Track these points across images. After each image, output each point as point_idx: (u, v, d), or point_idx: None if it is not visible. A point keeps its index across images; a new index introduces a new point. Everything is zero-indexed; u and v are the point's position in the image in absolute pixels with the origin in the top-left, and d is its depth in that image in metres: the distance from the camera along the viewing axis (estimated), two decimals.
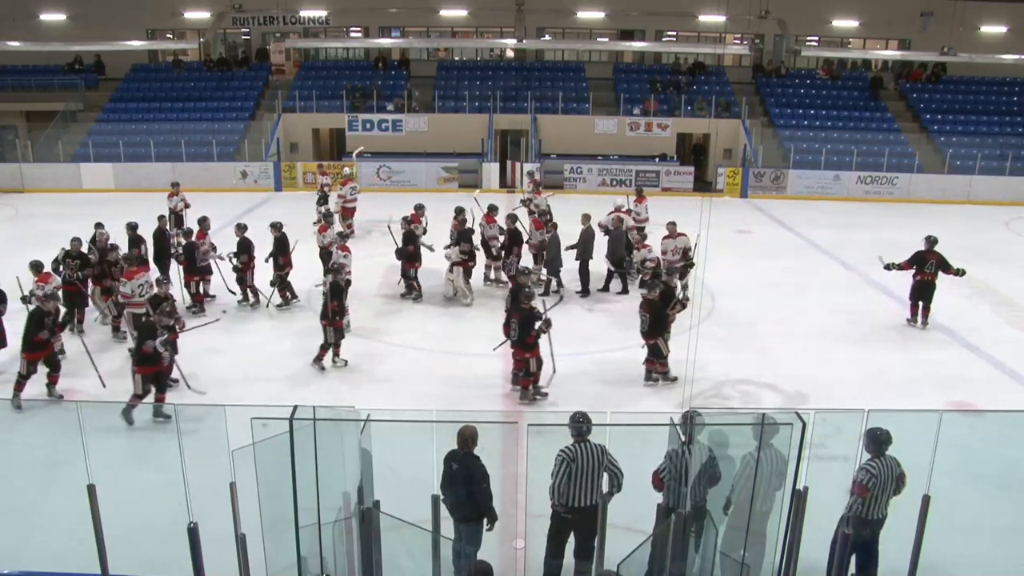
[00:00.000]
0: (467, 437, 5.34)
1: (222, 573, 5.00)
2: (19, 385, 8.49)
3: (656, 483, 5.33)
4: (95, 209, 19.40)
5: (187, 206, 15.23)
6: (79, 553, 5.06)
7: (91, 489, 4.80)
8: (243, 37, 28.29)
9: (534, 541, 5.64)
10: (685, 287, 11.25)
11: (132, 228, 12.11)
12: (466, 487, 5.35)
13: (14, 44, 24.50)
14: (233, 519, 4.81)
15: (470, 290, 12.30)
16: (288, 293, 12.06)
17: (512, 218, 12.77)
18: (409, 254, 12.15)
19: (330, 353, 9.77)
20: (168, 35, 28.06)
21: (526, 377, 8.88)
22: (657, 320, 9.09)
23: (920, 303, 11.48)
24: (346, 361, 9.86)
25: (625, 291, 12.67)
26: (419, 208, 13.10)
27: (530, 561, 5.70)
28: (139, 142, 22.92)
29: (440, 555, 5.15)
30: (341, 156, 24.76)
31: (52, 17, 26.63)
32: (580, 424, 5.32)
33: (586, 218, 12.84)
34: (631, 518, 5.59)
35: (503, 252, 12.78)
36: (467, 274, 12.26)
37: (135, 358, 8.25)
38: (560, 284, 12.69)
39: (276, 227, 12.03)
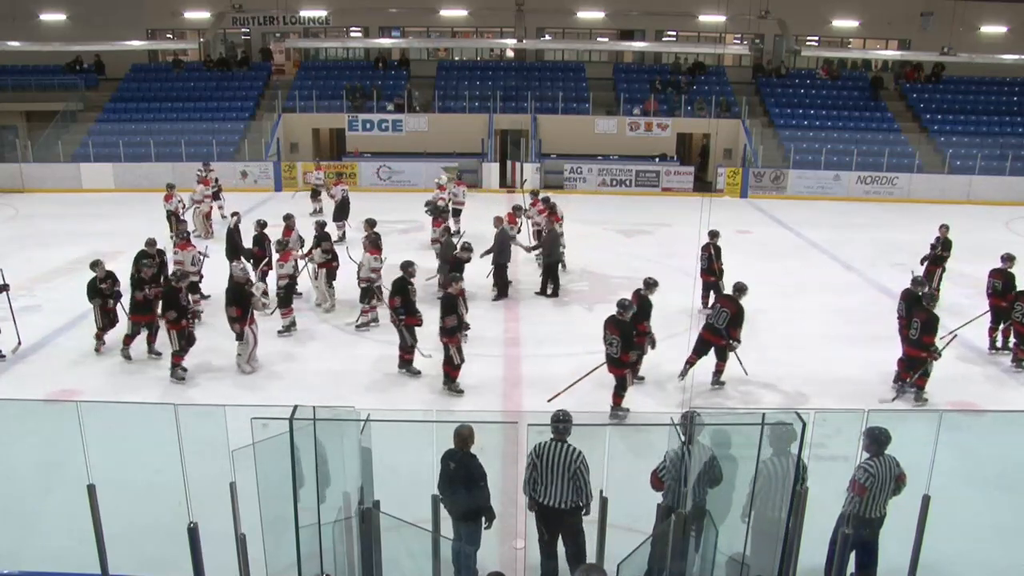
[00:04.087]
0: (464, 436, 5.33)
1: (222, 573, 4.99)
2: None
3: (655, 483, 5.33)
4: (95, 209, 19.49)
5: (186, 207, 15.24)
6: (79, 553, 5.05)
7: (91, 489, 4.80)
8: (243, 37, 28.29)
9: (534, 541, 5.64)
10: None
11: (261, 225, 12.15)
12: (465, 486, 5.35)
13: (14, 44, 24.52)
14: (233, 519, 4.80)
15: (331, 295, 11.91)
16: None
17: (370, 223, 12.36)
18: (257, 257, 11.88)
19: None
20: (168, 35, 28.09)
21: (922, 377, 8.96)
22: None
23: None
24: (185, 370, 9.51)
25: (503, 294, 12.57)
26: (288, 218, 12.69)
27: (530, 561, 5.70)
28: (139, 142, 22.94)
29: (440, 555, 5.15)
30: (341, 156, 24.81)
31: (52, 17, 26.65)
32: (556, 424, 5.35)
33: (498, 221, 12.76)
34: (631, 518, 5.59)
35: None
36: (331, 275, 11.89)
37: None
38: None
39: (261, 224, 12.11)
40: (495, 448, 6.34)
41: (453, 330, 8.89)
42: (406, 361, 9.59)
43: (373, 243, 11.23)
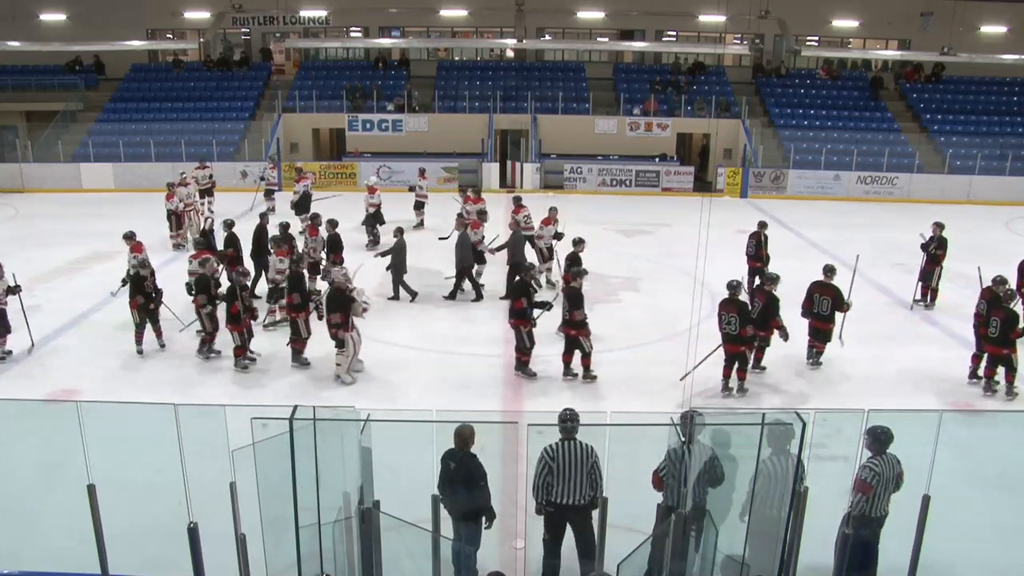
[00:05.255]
0: (465, 436, 5.33)
1: (222, 573, 4.99)
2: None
3: (656, 482, 5.33)
4: (95, 209, 19.48)
5: (187, 206, 15.24)
6: (79, 553, 5.05)
7: (91, 489, 4.79)
8: (243, 37, 28.29)
9: (534, 541, 5.64)
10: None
11: (229, 225, 12.15)
12: (465, 486, 5.35)
13: (14, 44, 24.52)
14: (233, 519, 4.80)
15: None
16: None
17: (332, 223, 12.37)
18: (230, 258, 11.73)
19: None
20: (168, 35, 28.08)
21: (1011, 373, 9.09)
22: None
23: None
24: (255, 359, 9.83)
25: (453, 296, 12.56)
26: (315, 218, 12.72)
27: (530, 561, 5.70)
28: (139, 142, 22.94)
29: (440, 555, 5.15)
30: (341, 156, 24.80)
31: (52, 17, 26.64)
32: (566, 423, 5.36)
33: (514, 224, 12.88)
34: (631, 518, 5.59)
35: (325, 257, 12.27)
36: None
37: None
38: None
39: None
40: (495, 448, 6.33)
41: (582, 323, 9.20)
42: (523, 363, 9.60)
43: (278, 244, 11.12)
